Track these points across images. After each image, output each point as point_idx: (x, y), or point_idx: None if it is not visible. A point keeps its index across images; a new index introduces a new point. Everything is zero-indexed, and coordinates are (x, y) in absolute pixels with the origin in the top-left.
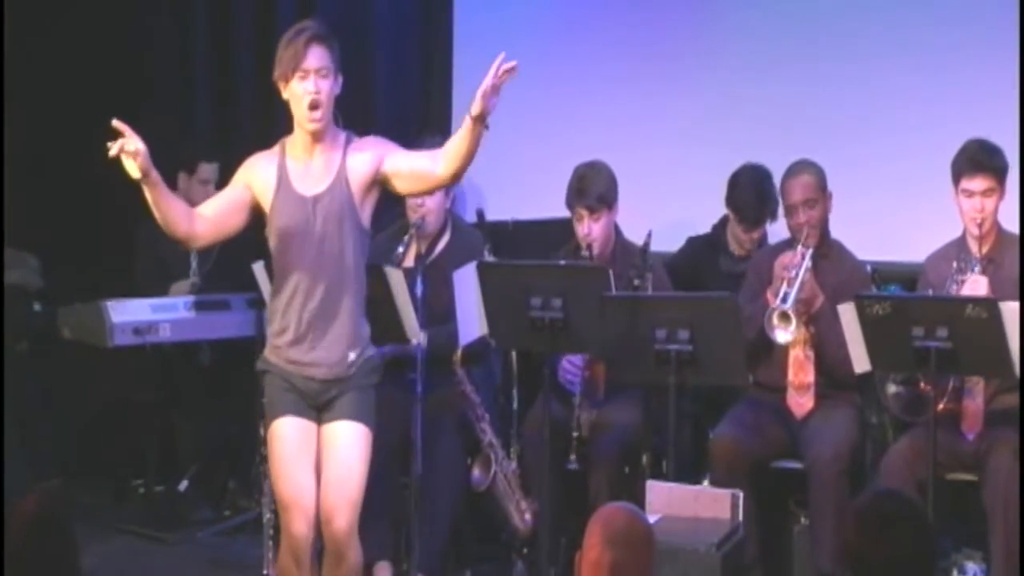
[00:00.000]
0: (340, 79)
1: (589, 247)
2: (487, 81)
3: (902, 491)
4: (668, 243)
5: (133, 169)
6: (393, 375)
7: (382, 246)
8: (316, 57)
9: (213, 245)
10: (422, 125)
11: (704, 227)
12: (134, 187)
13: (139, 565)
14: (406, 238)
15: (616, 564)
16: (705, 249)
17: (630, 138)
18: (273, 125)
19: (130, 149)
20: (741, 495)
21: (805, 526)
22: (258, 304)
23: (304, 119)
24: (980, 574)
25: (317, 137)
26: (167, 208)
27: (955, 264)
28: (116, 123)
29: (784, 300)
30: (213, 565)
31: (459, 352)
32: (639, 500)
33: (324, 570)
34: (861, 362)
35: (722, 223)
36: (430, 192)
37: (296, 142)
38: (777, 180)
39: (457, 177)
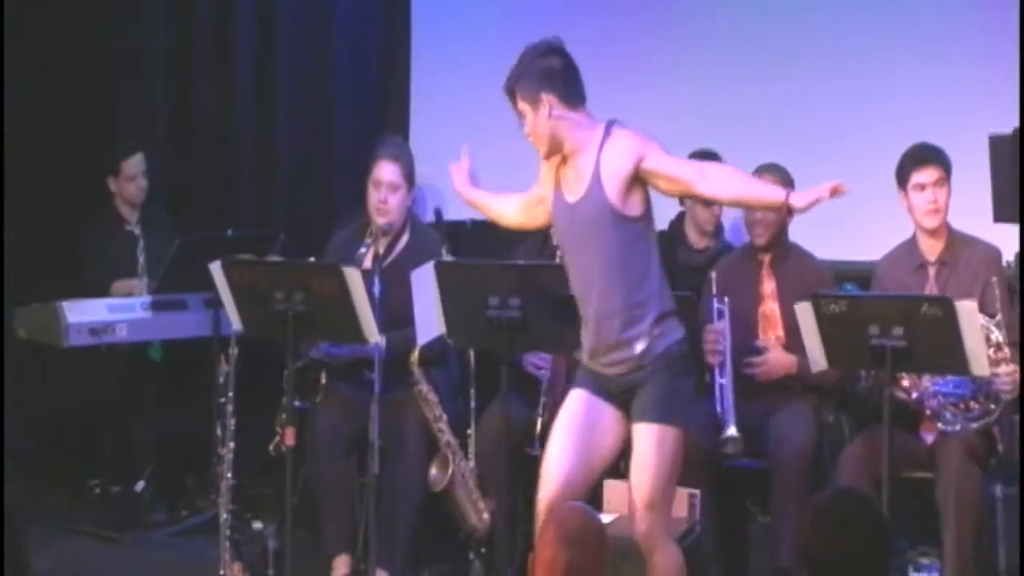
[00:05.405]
0: (547, 97)
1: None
2: (824, 194)
3: (857, 489)
4: None
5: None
6: (351, 374)
7: (340, 244)
8: (521, 90)
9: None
10: (381, 124)
11: (660, 225)
12: (81, 186)
13: (94, 566)
14: (368, 240)
15: (570, 564)
16: (663, 244)
17: None
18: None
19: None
20: (699, 493)
21: (763, 523)
22: (215, 304)
23: None
24: (935, 572)
25: (568, 142)
26: (499, 215)
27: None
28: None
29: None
30: (169, 566)
31: (416, 352)
32: (596, 499)
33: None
34: (818, 361)
35: (679, 219)
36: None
37: None
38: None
39: (719, 200)
